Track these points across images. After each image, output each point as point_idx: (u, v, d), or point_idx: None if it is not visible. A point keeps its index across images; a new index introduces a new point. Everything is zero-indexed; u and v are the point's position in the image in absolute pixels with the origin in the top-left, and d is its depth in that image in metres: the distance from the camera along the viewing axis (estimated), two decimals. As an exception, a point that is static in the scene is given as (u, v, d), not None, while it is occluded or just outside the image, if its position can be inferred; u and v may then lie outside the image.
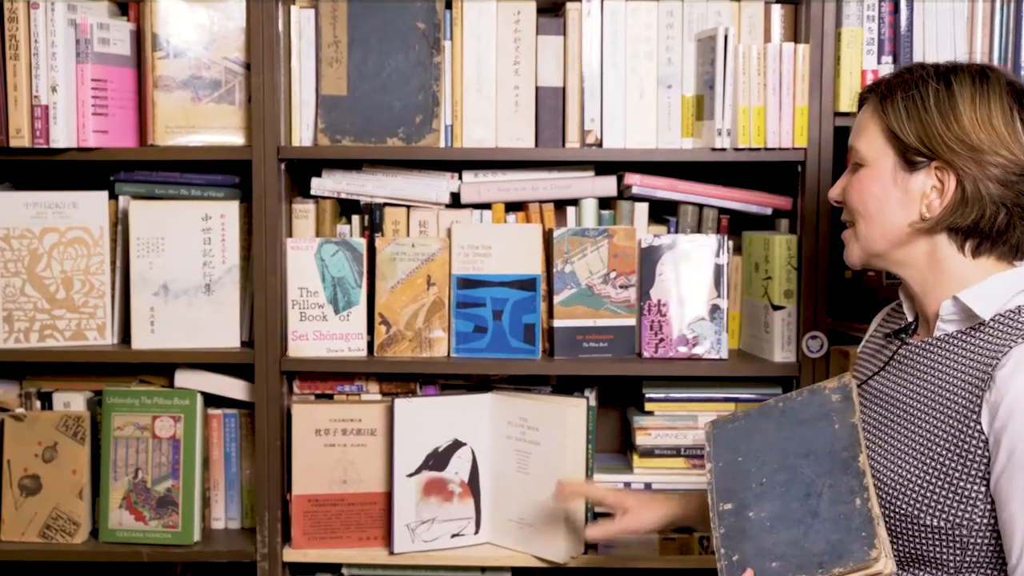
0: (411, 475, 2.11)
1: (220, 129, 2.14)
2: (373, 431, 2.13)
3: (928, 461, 1.38)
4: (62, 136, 2.04)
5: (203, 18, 2.12)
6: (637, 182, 2.14)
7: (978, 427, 1.34)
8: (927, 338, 1.47)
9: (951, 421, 1.37)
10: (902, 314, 1.56)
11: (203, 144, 2.13)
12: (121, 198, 2.17)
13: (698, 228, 2.18)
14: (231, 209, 2.14)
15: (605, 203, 2.19)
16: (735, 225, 2.21)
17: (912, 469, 1.39)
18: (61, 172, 2.22)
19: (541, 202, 2.17)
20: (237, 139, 2.14)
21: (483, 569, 2.18)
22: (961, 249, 1.41)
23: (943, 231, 1.41)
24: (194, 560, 2.16)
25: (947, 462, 1.36)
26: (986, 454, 1.34)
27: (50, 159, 2.09)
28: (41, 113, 2.02)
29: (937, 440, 1.38)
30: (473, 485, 2.15)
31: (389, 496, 2.12)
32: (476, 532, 2.16)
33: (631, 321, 2.14)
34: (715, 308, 2.11)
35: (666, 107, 2.12)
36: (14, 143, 2.03)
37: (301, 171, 2.20)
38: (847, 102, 2.05)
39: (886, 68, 2.04)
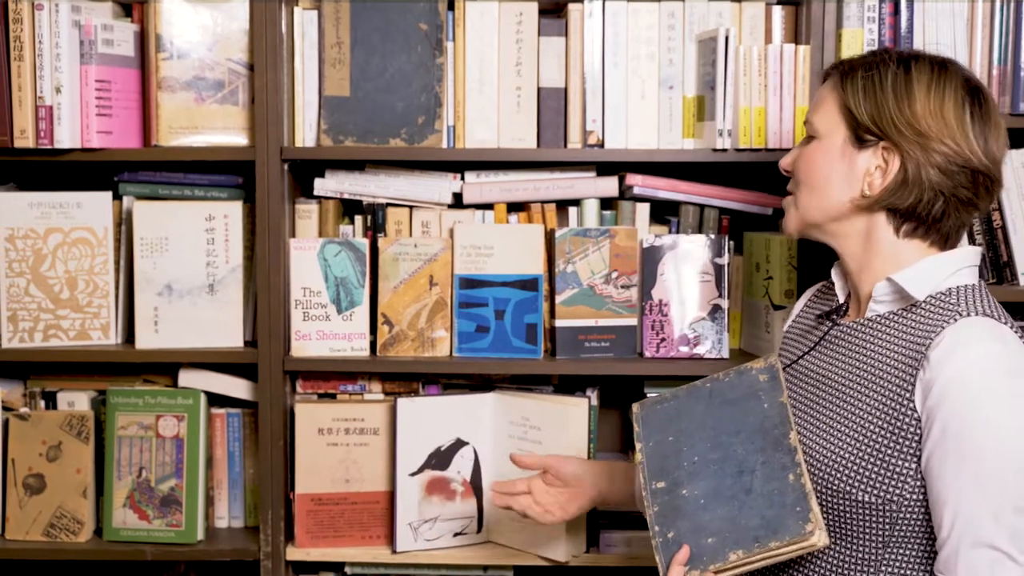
0: (414, 474, 2.12)
1: (223, 130, 2.15)
2: (376, 430, 2.14)
3: (861, 438, 1.41)
4: (66, 137, 2.04)
5: (206, 19, 2.13)
6: (639, 182, 2.15)
7: (911, 405, 1.37)
8: (859, 319, 1.50)
9: (884, 399, 1.40)
10: (832, 295, 1.60)
11: (206, 145, 2.13)
12: (125, 198, 2.18)
13: (699, 228, 2.19)
14: (234, 209, 2.15)
15: (607, 203, 2.20)
16: (736, 225, 2.22)
17: (845, 446, 1.42)
18: (65, 172, 2.23)
19: (543, 202, 2.18)
20: (240, 140, 2.15)
21: (485, 568, 2.18)
22: (897, 231, 1.46)
23: (882, 211, 1.45)
24: (197, 559, 2.17)
25: (880, 439, 1.39)
26: (918, 432, 1.37)
27: (54, 160, 2.10)
28: (45, 114, 2.03)
29: (870, 418, 1.41)
30: (475, 484, 2.16)
31: (392, 495, 2.12)
32: (478, 531, 2.17)
33: (632, 321, 2.15)
34: (716, 308, 2.12)
35: (667, 108, 2.12)
36: (18, 144, 2.04)
37: (304, 171, 2.21)
38: (848, 103, 2.06)
39: (886, 69, 2.05)
